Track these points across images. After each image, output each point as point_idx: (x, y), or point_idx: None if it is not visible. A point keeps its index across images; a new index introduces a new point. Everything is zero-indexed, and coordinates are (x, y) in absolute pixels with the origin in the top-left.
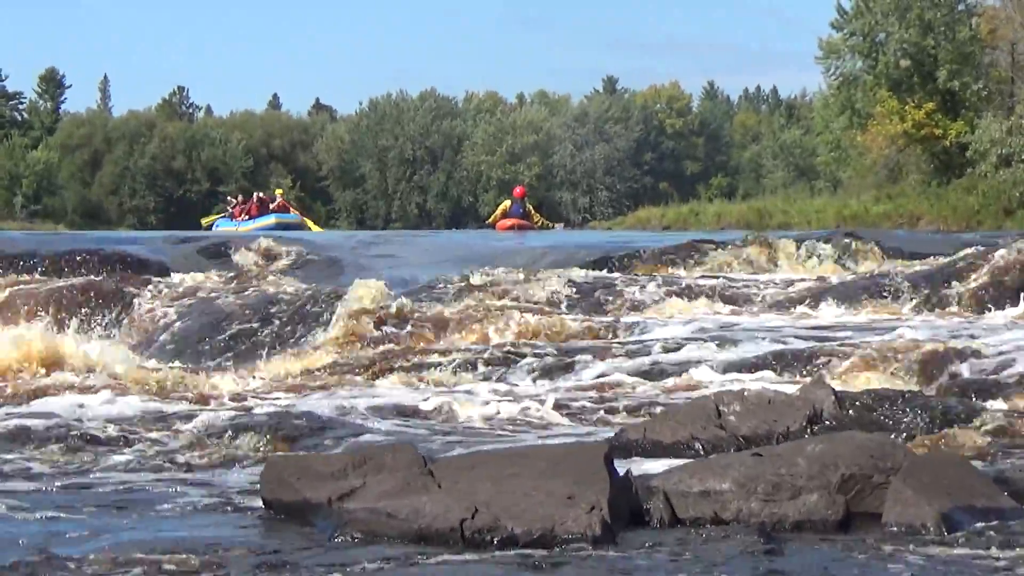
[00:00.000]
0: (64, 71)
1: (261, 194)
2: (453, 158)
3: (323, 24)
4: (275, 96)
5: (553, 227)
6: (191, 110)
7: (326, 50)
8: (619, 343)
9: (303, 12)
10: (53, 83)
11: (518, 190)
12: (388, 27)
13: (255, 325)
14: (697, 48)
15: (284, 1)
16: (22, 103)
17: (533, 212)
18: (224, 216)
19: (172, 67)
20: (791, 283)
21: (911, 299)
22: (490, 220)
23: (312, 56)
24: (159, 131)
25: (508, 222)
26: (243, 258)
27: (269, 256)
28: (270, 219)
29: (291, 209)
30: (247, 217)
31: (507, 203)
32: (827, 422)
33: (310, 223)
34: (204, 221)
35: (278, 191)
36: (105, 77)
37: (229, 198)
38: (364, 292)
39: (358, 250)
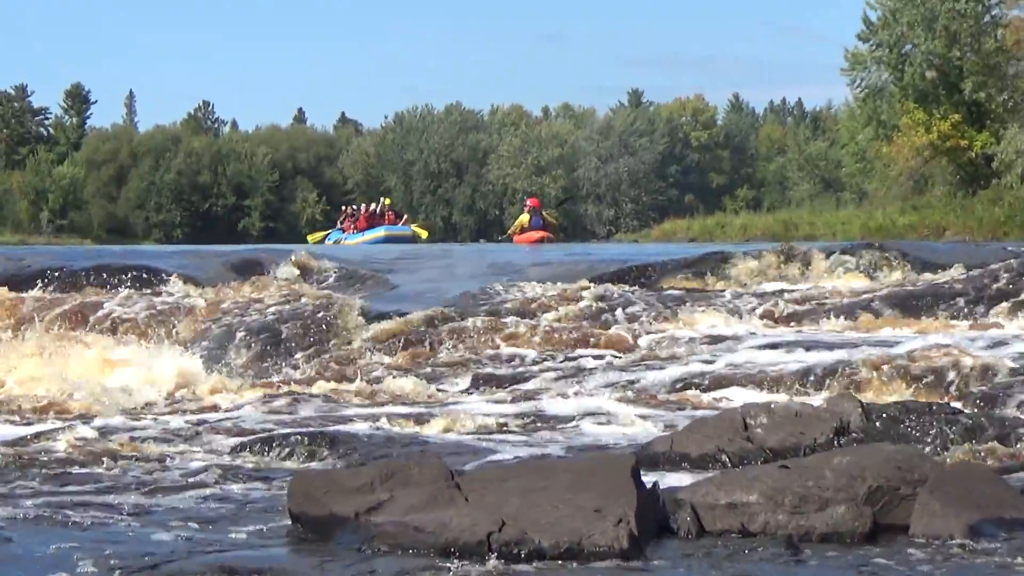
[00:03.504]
0: (90, 86)
1: (372, 205)
2: (478, 171)
3: (347, 38)
4: (300, 110)
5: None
6: (216, 125)
7: (351, 64)
8: (647, 354)
9: (327, 27)
10: (79, 98)
11: (532, 201)
12: (413, 41)
13: (283, 338)
14: (722, 61)
15: (308, 16)
16: (48, 118)
17: (548, 218)
18: (336, 229)
19: (197, 82)
20: (820, 294)
21: (940, 311)
22: (509, 232)
23: (337, 70)
24: (184, 146)
25: (534, 235)
26: (278, 271)
27: (304, 269)
28: (379, 231)
29: (401, 221)
30: (356, 230)
31: (525, 217)
32: (854, 434)
33: (418, 229)
34: (311, 238)
35: (385, 200)
36: (131, 92)
37: (343, 209)
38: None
39: (401, 264)
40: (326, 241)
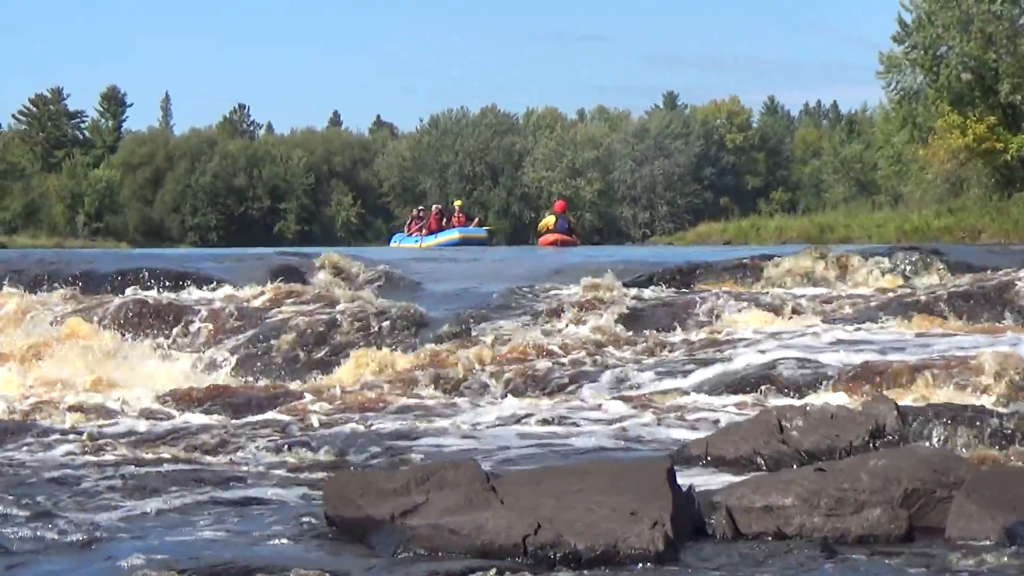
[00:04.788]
0: (126, 89)
1: (439, 206)
2: (513, 174)
3: (383, 42)
4: (336, 113)
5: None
6: (252, 128)
7: (387, 67)
8: (686, 356)
9: (363, 30)
10: (115, 101)
11: (559, 204)
12: (448, 45)
13: (319, 341)
14: (757, 64)
15: (344, 19)
16: (84, 122)
17: (575, 225)
18: (411, 232)
19: (233, 85)
20: (858, 296)
21: (983, 312)
22: (538, 230)
23: (373, 73)
24: (220, 149)
25: (551, 237)
26: (314, 274)
27: (339, 271)
28: (453, 233)
29: (472, 222)
30: (427, 232)
31: (551, 219)
32: (890, 437)
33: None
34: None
35: (456, 202)
36: (167, 95)
37: (412, 211)
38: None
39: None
40: (391, 243)
